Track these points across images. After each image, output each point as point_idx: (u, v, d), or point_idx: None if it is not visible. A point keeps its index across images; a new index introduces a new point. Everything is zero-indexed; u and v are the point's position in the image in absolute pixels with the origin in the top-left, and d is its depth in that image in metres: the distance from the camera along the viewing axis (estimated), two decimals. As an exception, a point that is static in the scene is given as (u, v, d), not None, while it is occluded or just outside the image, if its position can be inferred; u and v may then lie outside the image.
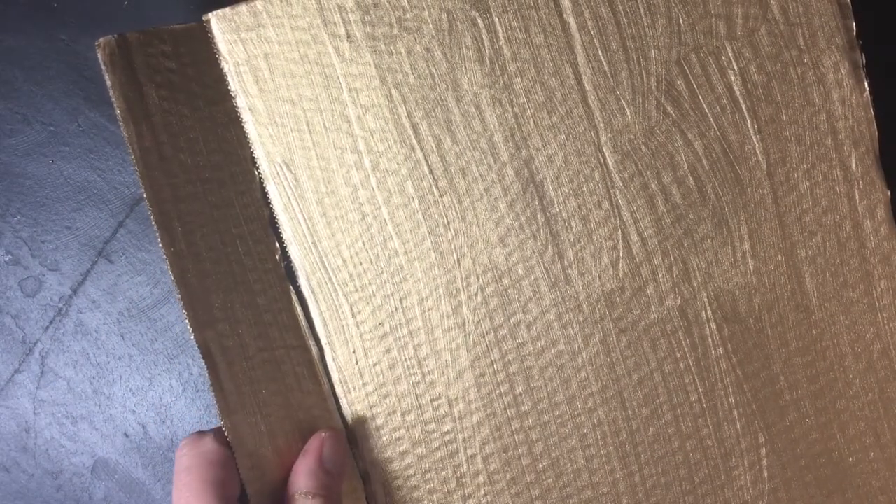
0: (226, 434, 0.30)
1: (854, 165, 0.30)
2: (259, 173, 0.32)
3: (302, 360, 0.33)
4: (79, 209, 0.42)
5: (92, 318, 0.43)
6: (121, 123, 0.30)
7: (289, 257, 0.32)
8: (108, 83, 0.30)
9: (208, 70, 0.32)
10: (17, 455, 0.44)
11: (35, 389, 0.44)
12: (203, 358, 0.30)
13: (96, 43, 0.30)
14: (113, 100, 0.30)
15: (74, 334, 0.43)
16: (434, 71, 0.31)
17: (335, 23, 0.31)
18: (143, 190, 0.30)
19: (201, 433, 0.31)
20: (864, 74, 0.30)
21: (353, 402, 0.33)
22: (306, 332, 0.33)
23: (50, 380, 0.43)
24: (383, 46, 0.31)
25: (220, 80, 0.32)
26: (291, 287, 0.33)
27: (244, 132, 0.32)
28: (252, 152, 0.32)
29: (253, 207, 0.33)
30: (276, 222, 0.32)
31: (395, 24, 0.31)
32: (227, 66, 0.32)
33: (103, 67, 0.30)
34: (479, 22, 0.31)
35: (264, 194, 0.32)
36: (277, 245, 0.33)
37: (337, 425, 0.33)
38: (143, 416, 0.43)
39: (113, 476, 0.44)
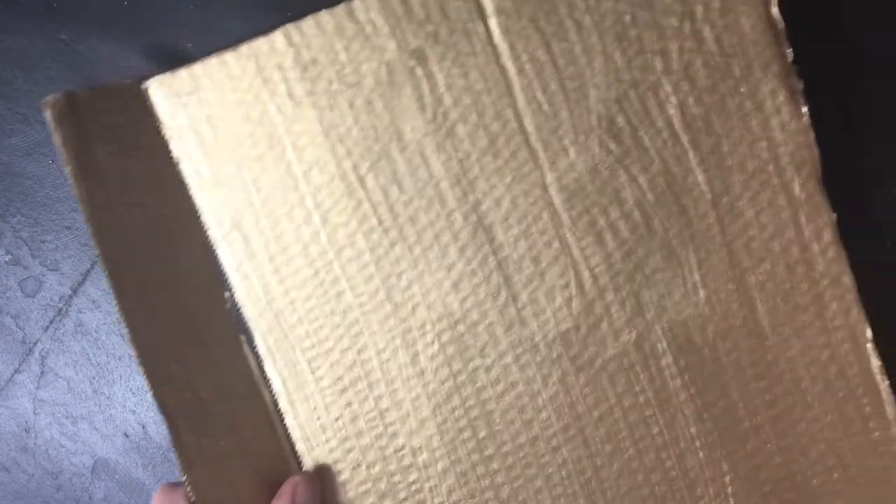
0: (187, 489, 0.30)
1: (797, 190, 0.30)
2: (205, 227, 0.32)
3: (257, 408, 0.33)
4: (79, 209, 0.42)
5: (92, 318, 0.43)
6: (71, 182, 0.30)
7: (240, 310, 0.33)
8: (57, 141, 0.30)
9: (155, 127, 0.32)
10: (17, 455, 0.44)
11: (35, 389, 0.44)
12: (162, 415, 0.30)
13: (43, 101, 0.30)
14: (62, 158, 0.30)
15: (74, 334, 0.43)
16: (376, 122, 0.31)
17: (275, 81, 0.31)
18: (95, 250, 0.30)
19: (174, 484, 0.31)
20: (802, 99, 0.30)
21: (317, 458, 0.33)
22: (259, 380, 0.33)
23: (50, 380, 0.43)
24: (324, 101, 0.31)
25: (165, 141, 0.32)
26: (243, 337, 0.33)
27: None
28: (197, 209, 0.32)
29: (202, 260, 0.33)
30: (228, 283, 0.32)
31: (334, 80, 0.31)
32: (170, 132, 0.32)
33: (51, 126, 0.30)
34: (419, 71, 0.31)
35: (210, 247, 0.32)
36: (227, 295, 0.33)
37: (296, 473, 0.33)
38: (143, 416, 0.43)
39: (113, 476, 0.44)
